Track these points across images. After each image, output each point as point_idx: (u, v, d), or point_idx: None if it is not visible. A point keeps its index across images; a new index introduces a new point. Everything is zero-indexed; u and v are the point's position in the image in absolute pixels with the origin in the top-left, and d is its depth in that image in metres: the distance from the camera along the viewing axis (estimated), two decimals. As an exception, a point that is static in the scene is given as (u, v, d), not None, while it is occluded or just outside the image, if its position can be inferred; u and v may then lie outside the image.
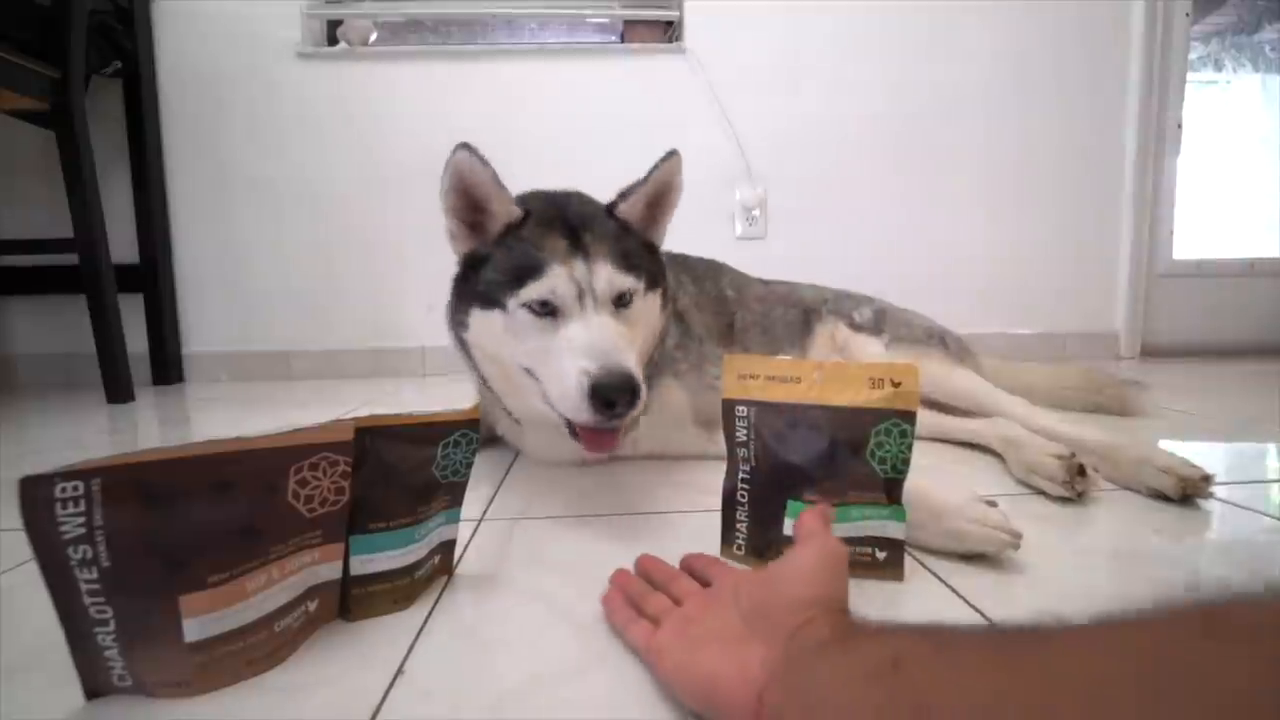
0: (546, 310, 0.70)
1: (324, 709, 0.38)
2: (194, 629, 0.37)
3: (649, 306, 0.77)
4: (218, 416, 1.37)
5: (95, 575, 0.35)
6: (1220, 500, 0.70)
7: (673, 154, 0.78)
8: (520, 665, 0.42)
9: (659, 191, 0.79)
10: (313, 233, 1.75)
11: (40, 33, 1.37)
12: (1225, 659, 0.18)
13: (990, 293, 1.80)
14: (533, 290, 0.69)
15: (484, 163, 0.72)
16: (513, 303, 0.71)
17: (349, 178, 1.74)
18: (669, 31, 1.80)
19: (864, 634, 0.30)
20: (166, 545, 0.36)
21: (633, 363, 0.66)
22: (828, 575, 0.35)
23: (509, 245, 0.73)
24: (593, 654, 0.43)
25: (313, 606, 0.44)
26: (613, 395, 0.62)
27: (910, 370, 0.52)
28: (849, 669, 0.27)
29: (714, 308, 1.08)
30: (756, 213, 1.77)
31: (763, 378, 0.54)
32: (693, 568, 0.49)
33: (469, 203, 0.74)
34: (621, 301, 0.72)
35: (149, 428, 1.30)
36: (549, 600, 0.50)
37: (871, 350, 1.05)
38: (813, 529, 0.40)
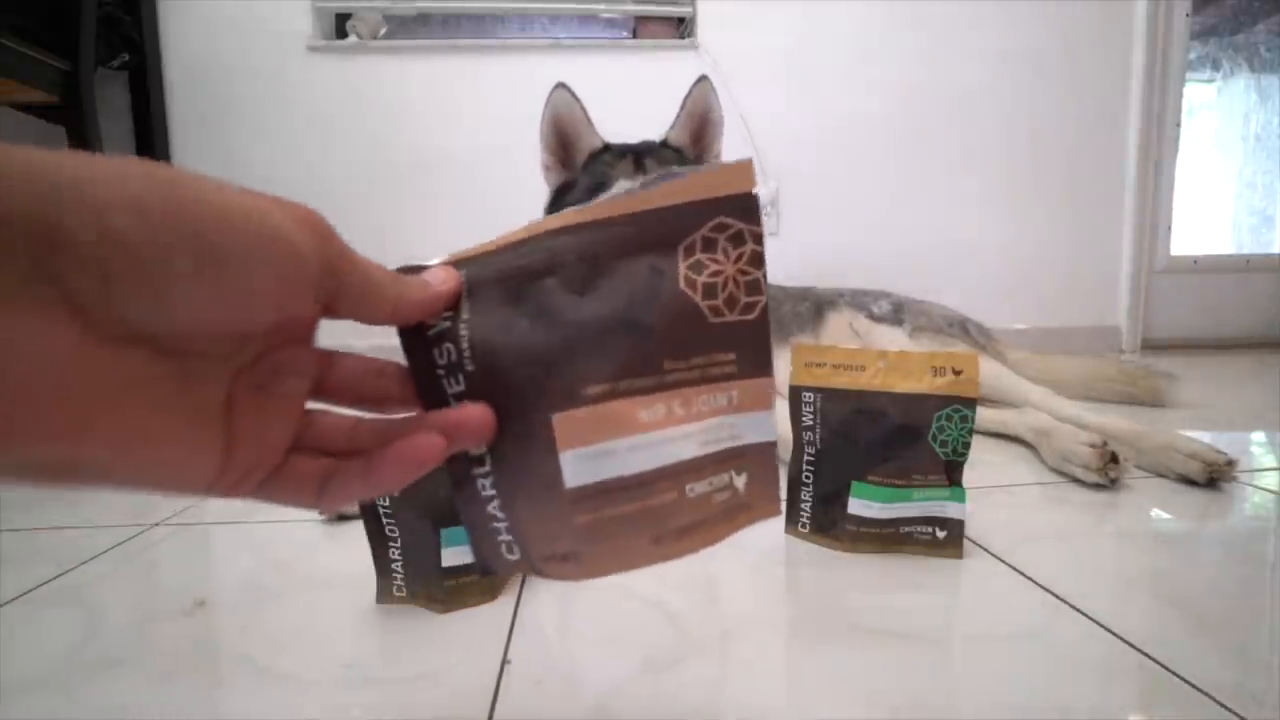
0: None
1: (442, 698, 0.38)
2: (573, 468, 0.26)
3: None
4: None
5: (462, 386, 0.26)
6: (1244, 484, 0.73)
7: (701, 80, 0.87)
8: (620, 655, 0.42)
9: (697, 119, 0.90)
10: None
11: (49, 23, 1.34)
12: None
13: (998, 288, 1.83)
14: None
15: (577, 99, 0.85)
16: None
17: (358, 173, 1.73)
18: (681, 28, 1.81)
19: None
20: (533, 343, 0.26)
21: None
22: None
23: (590, 170, 0.87)
24: (689, 643, 0.44)
25: (741, 482, 0.29)
26: None
27: (971, 358, 0.53)
28: None
29: None
30: (769, 209, 1.79)
31: (829, 365, 0.56)
32: None
33: (561, 140, 0.88)
34: None
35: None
36: (629, 591, 0.51)
37: (896, 339, 1.08)
38: None
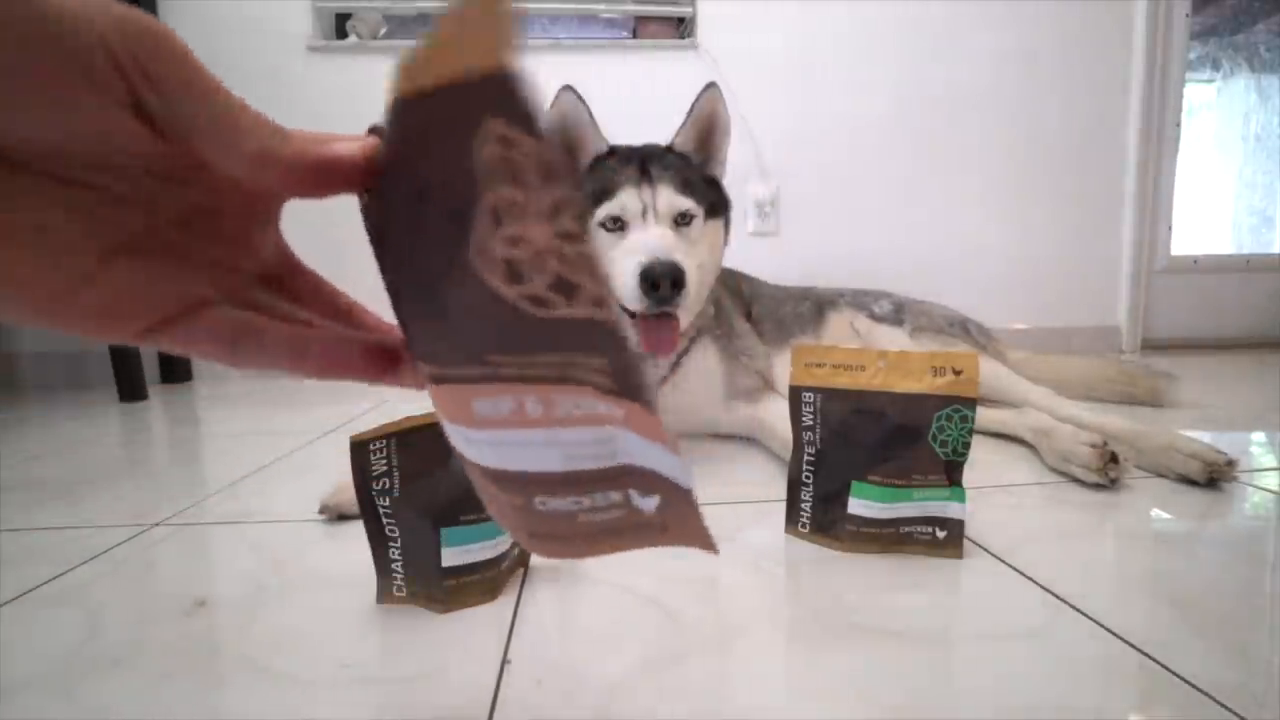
0: (617, 225, 0.83)
1: (442, 698, 0.38)
2: (446, 428, 0.23)
3: (710, 233, 0.89)
4: (231, 413, 1.36)
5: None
6: (1244, 484, 0.73)
7: (710, 86, 0.88)
8: (620, 653, 0.43)
9: (704, 124, 0.90)
10: (322, 229, 1.72)
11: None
12: None
13: (999, 288, 1.84)
14: (605, 209, 0.83)
15: (583, 102, 0.84)
16: (591, 223, 0.84)
17: (359, 173, 1.73)
18: (681, 28, 1.81)
19: None
20: (393, 286, 0.22)
21: (681, 257, 0.77)
22: None
23: (593, 175, 0.85)
24: (690, 642, 0.44)
25: (649, 504, 0.23)
26: (657, 277, 0.74)
27: (971, 358, 0.53)
28: None
29: (735, 298, 1.15)
30: (769, 209, 1.79)
31: (829, 366, 0.56)
32: None
33: (565, 144, 0.86)
34: (682, 220, 0.85)
35: (167, 425, 1.30)
36: (629, 589, 0.51)
37: (896, 339, 1.08)
38: None
